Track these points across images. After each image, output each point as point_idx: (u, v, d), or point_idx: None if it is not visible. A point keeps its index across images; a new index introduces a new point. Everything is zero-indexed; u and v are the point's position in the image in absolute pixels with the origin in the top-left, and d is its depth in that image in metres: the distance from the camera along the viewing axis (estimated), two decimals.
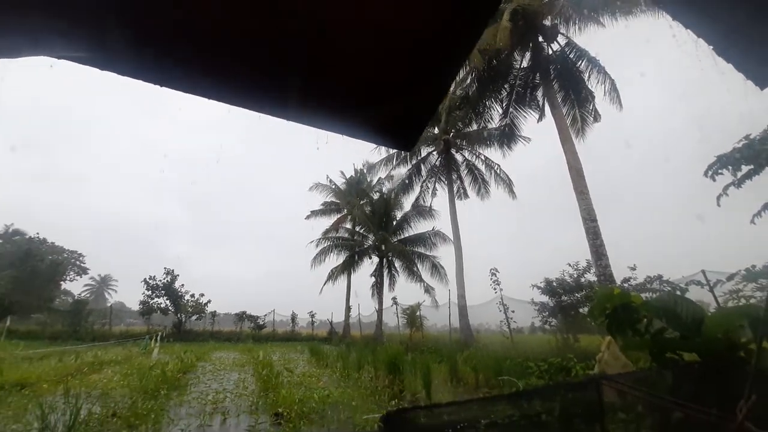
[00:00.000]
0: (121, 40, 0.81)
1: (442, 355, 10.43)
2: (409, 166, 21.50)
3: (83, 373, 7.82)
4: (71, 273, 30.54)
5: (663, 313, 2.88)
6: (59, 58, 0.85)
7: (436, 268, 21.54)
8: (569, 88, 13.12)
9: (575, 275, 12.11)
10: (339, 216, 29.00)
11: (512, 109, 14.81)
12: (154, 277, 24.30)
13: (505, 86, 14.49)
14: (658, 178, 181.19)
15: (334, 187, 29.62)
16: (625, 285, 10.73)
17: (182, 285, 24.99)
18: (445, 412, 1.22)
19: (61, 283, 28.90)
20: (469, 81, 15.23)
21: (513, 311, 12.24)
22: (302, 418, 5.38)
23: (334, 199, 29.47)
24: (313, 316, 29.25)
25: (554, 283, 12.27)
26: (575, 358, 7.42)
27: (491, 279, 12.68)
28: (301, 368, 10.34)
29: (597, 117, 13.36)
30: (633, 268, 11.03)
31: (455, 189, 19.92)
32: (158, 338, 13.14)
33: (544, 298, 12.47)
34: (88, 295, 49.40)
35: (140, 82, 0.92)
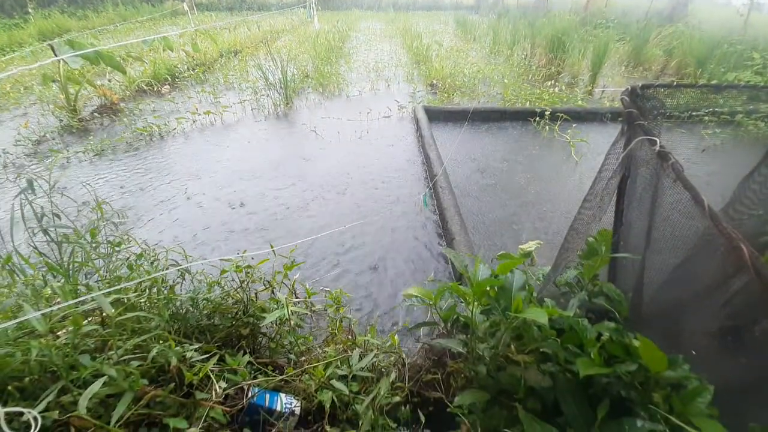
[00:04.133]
0: None
1: (628, 31, 8.26)
2: None
3: (268, 41, 9.30)
4: None
5: None
6: None
7: None
8: None
9: None
10: None
11: None
12: None
13: None
14: None
15: None
16: None
17: None
18: (698, 93, 1.02)
19: None
20: None
21: None
22: (454, 90, 5.79)
23: None
24: None
25: None
26: None
27: None
28: (447, 42, 9.99)
29: None
30: None
31: None
32: (313, 8, 13.68)
33: None
34: None
35: None
